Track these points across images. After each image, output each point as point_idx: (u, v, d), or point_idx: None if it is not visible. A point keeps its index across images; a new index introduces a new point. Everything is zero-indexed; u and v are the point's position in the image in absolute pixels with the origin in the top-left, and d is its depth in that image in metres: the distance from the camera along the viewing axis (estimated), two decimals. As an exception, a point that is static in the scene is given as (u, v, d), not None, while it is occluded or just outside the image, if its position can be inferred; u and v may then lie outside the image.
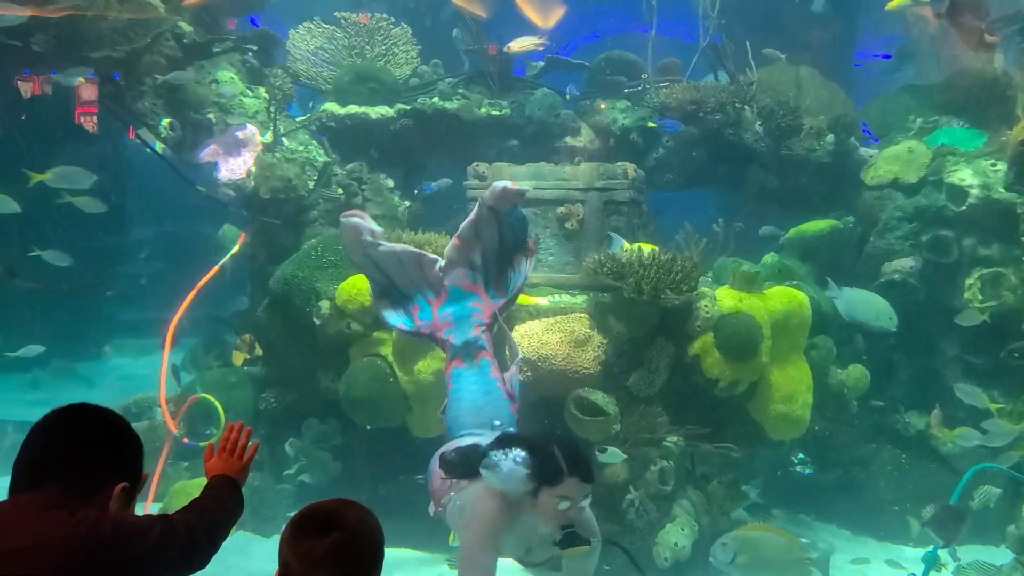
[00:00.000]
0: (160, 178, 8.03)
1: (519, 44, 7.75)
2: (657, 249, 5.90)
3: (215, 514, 2.13)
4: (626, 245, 6.08)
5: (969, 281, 6.89)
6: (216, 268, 7.68)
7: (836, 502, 6.97)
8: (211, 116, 7.35)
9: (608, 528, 5.65)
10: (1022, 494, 6.13)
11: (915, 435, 7.06)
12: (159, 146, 7.48)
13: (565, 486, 3.35)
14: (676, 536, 5.59)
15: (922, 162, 7.30)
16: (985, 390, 6.66)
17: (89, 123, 6.42)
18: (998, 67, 7.80)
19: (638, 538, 5.62)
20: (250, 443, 2.26)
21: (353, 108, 7.76)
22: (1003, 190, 6.80)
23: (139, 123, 7.30)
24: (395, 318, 5.15)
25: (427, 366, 5.93)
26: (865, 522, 6.80)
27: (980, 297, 6.85)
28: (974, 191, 6.89)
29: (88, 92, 6.44)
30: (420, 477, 6.52)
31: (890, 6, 8.13)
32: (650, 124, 7.61)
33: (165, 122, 7.27)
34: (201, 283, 7.53)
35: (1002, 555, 5.96)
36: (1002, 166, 6.86)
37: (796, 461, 7.32)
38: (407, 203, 7.71)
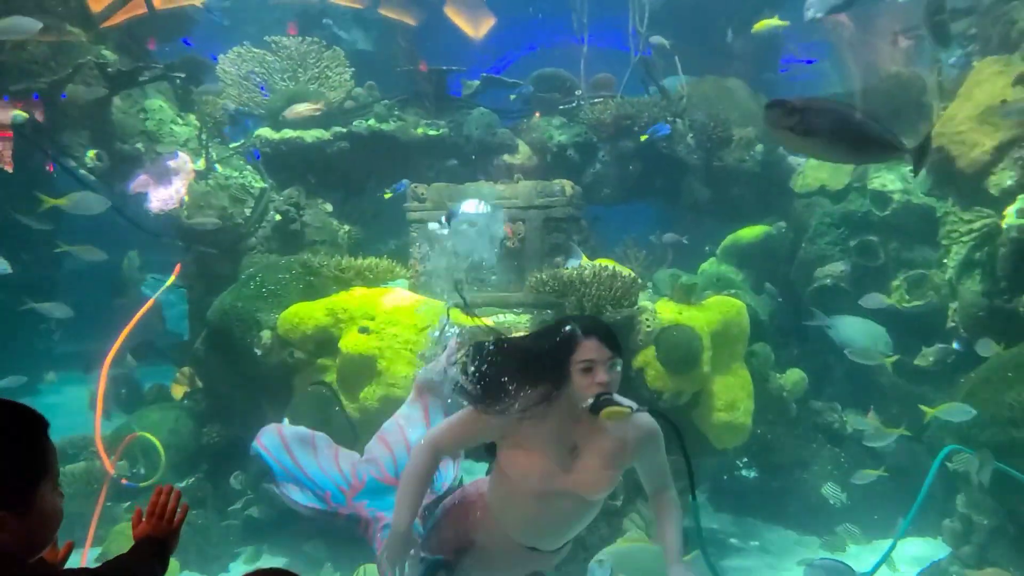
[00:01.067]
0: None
1: (294, 112, 7.62)
2: (598, 266, 5.98)
3: (139, 568, 2.07)
4: (584, 259, 6.16)
5: (895, 283, 7.15)
6: (151, 301, 7.52)
7: (781, 504, 7.13)
8: (139, 146, 7.20)
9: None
10: (957, 487, 6.35)
11: (853, 433, 7.26)
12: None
13: (582, 349, 3.06)
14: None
15: (846, 169, 7.55)
16: (915, 386, 6.91)
17: (7, 152, 6.24)
18: (913, 73, 8.12)
19: (590, 554, 5.66)
20: (180, 504, 2.20)
21: (288, 133, 7.70)
22: (922, 195, 7.08)
23: (64, 154, 7.11)
24: (304, 498, 4.39)
25: (372, 393, 5.89)
26: (810, 523, 6.97)
27: (907, 297, 7.10)
28: (896, 196, 7.16)
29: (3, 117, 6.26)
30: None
31: (756, 28, 8.38)
32: (643, 138, 7.66)
33: (91, 153, 7.10)
34: (137, 316, 7.35)
35: (940, 548, 6.18)
36: (920, 172, 7.14)
37: (741, 465, 7.48)
38: (346, 227, 7.67)
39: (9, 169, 6.40)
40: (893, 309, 6.81)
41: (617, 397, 3.04)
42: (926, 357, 6.78)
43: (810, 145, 3.40)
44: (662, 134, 7.70)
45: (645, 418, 3.21)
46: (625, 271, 6.08)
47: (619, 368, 3.07)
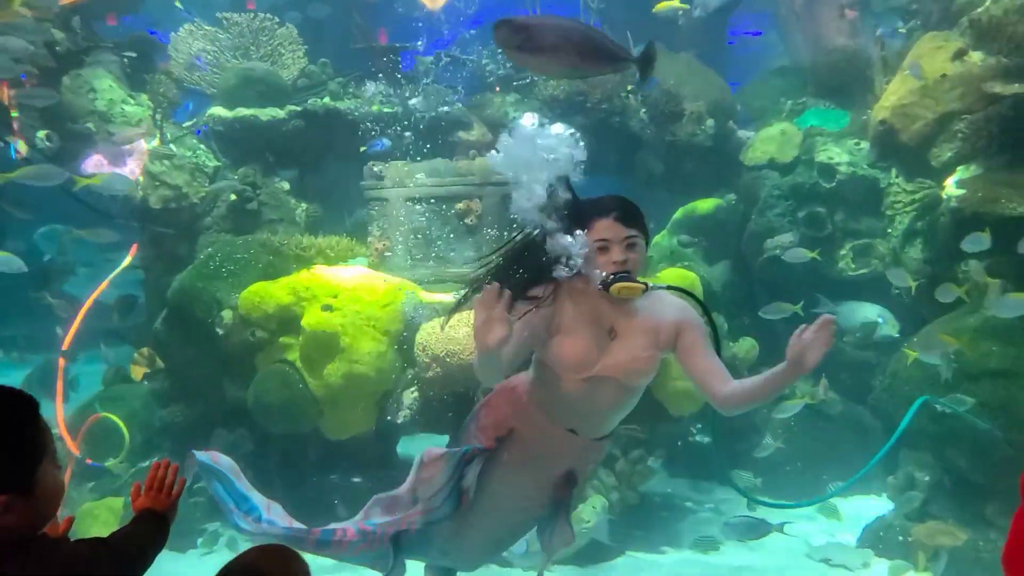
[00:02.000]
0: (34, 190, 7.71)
1: (123, 136, 7.34)
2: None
3: (140, 539, 2.16)
4: None
5: (842, 252, 7.39)
6: (106, 282, 7.46)
7: (734, 467, 7.38)
8: (90, 126, 7.11)
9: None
10: (901, 446, 6.65)
11: (801, 398, 7.52)
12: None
13: (596, 228, 3.03)
14: (587, 514, 5.84)
15: (794, 142, 7.76)
16: (861, 351, 7.19)
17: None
18: (857, 46, 8.34)
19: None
20: (178, 478, 2.29)
21: (242, 111, 7.64)
22: (867, 167, 7.32)
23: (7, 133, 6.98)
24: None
25: (336, 369, 5.96)
26: (762, 484, 7.24)
27: (853, 266, 7.36)
28: (842, 168, 7.38)
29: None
30: (334, 477, 6.62)
31: (659, 7, 8.47)
32: (362, 149, 7.42)
33: (41, 134, 6.99)
34: (92, 298, 7.30)
35: (883, 504, 6.49)
36: (865, 144, 7.39)
37: (695, 431, 7.71)
38: (304, 205, 7.68)
39: None
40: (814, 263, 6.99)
41: (637, 278, 3.01)
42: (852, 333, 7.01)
43: (539, 61, 3.47)
44: (377, 148, 7.50)
45: (679, 301, 3.21)
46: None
47: (639, 246, 3.05)
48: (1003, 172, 6.16)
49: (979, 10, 6.66)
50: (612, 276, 2.98)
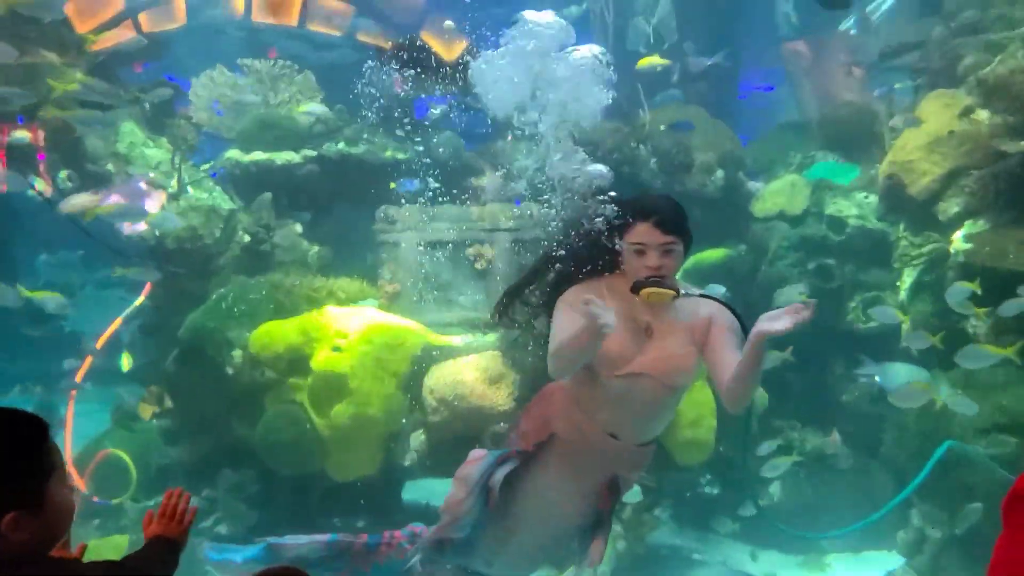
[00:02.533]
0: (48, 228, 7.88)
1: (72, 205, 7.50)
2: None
3: (152, 564, 2.18)
4: None
5: (852, 304, 7.41)
6: (119, 320, 7.54)
7: (743, 519, 7.30)
8: (110, 167, 7.26)
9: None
10: (911, 502, 6.58)
11: (811, 450, 7.47)
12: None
13: (634, 232, 3.03)
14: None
15: (803, 195, 7.84)
16: (871, 405, 7.15)
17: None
18: (866, 102, 8.47)
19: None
20: (189, 507, 2.32)
21: (258, 155, 7.79)
22: (876, 220, 7.37)
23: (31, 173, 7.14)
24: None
25: (343, 410, 5.98)
26: (771, 536, 7.15)
27: (862, 318, 7.37)
28: (851, 221, 7.44)
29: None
30: (337, 520, 6.58)
31: (641, 64, 8.59)
32: (391, 185, 7.61)
33: (63, 174, 7.14)
34: (106, 334, 7.37)
35: (893, 560, 6.39)
36: (874, 198, 7.45)
37: (704, 482, 7.64)
38: (316, 247, 7.77)
39: (3, 190, 6.43)
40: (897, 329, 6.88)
41: (671, 280, 3.02)
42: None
43: None
44: (408, 188, 7.63)
45: (713, 303, 3.18)
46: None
47: (676, 252, 3.03)
48: (1010, 227, 6.20)
49: (986, 70, 6.78)
50: (644, 280, 2.99)
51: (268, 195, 7.40)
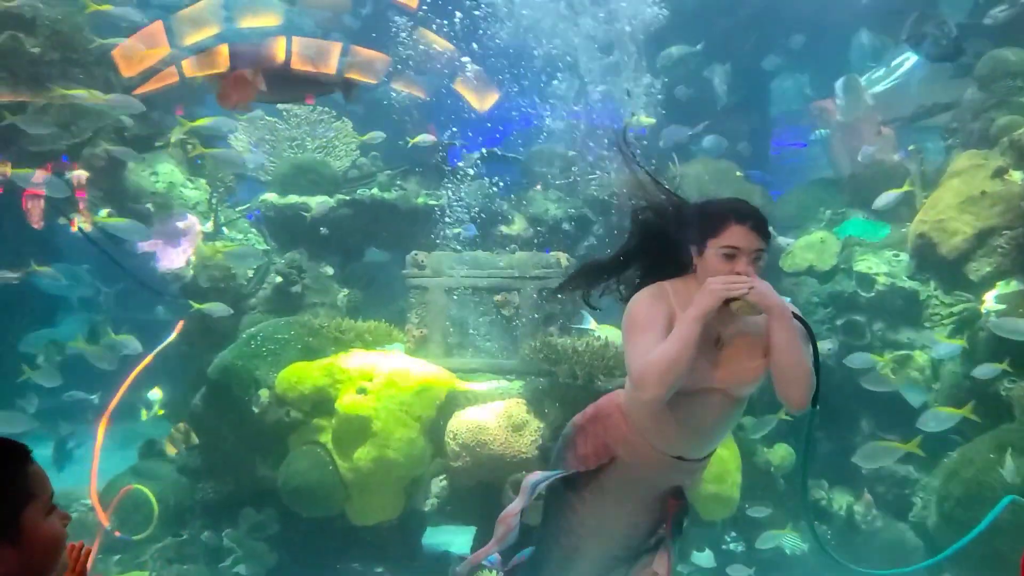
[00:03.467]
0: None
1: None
2: (591, 336, 6.16)
3: None
4: (593, 324, 6.32)
5: (881, 362, 7.31)
6: (150, 357, 7.64)
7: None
8: (150, 206, 7.44)
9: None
10: (945, 567, 6.39)
11: (838, 511, 7.33)
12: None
13: (728, 234, 2.83)
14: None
15: (833, 251, 7.81)
16: (899, 467, 7.02)
17: (36, 209, 6.50)
18: (896, 161, 8.47)
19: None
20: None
21: (293, 198, 7.95)
22: (906, 278, 7.32)
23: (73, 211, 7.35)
24: None
25: (366, 454, 5.98)
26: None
27: (892, 377, 7.27)
28: (880, 279, 7.39)
29: (38, 177, 6.56)
30: (356, 565, 6.55)
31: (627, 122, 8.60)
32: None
33: (104, 212, 7.33)
34: (136, 371, 7.47)
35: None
36: (904, 256, 7.41)
37: (729, 540, 7.50)
38: (346, 290, 7.86)
39: (38, 227, 6.64)
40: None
41: (755, 280, 2.82)
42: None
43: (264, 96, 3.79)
44: (469, 234, 7.79)
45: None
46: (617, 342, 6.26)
47: (763, 261, 2.88)
48: (1044, 288, 6.14)
49: (1020, 131, 6.78)
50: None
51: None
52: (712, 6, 10.64)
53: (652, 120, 8.68)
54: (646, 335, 2.85)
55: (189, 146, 7.99)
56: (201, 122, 7.20)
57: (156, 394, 7.01)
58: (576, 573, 3.47)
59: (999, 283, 6.45)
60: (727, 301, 2.81)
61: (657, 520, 3.28)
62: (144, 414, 6.92)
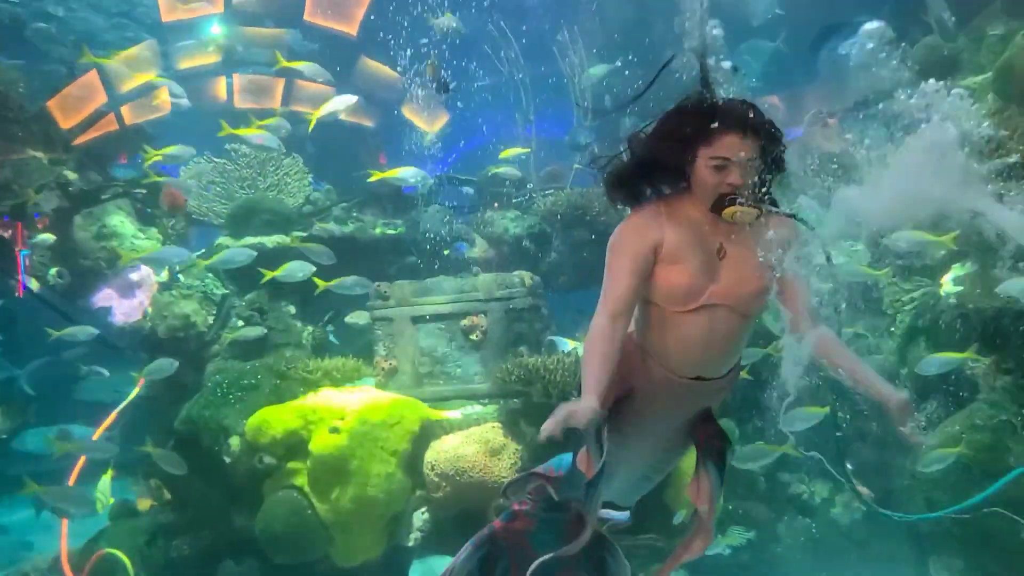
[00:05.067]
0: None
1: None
2: (564, 352, 6.14)
3: None
4: (571, 343, 6.29)
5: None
6: (115, 414, 7.45)
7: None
8: (101, 262, 7.28)
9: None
10: (927, 550, 6.43)
11: (820, 503, 7.37)
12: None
13: (719, 144, 2.69)
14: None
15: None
16: (880, 453, 7.08)
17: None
18: (842, 150, 8.59)
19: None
20: None
21: (249, 240, 7.83)
22: (864, 267, 7.41)
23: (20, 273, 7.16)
24: None
25: (345, 493, 5.88)
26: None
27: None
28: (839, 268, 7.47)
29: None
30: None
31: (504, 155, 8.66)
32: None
33: (53, 271, 7.15)
34: (100, 429, 7.28)
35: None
36: (860, 245, 7.50)
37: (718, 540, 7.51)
38: (310, 328, 7.75)
39: None
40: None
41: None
42: None
43: None
44: (461, 251, 7.97)
45: (790, 220, 2.82)
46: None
47: (773, 172, 2.72)
48: (997, 268, 6.24)
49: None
50: (726, 199, 2.70)
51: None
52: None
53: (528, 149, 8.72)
54: (624, 262, 2.79)
55: (137, 196, 7.85)
56: (167, 150, 7.09)
57: (105, 483, 6.75)
58: (614, 488, 3.33)
59: (955, 266, 6.55)
60: (717, 210, 2.71)
61: (686, 441, 3.16)
62: (100, 507, 6.69)
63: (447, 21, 8.02)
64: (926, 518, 5.90)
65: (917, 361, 6.86)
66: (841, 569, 6.80)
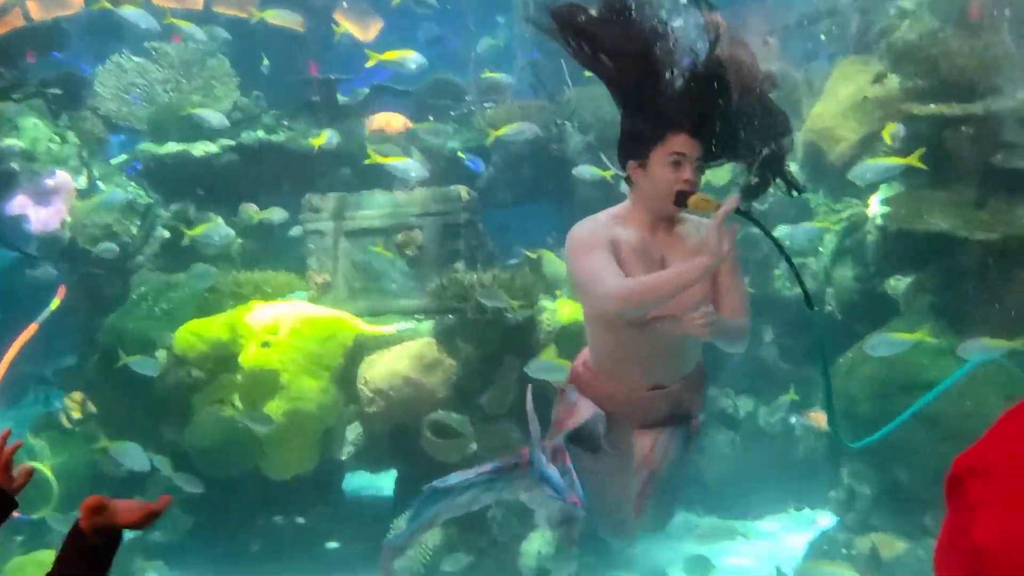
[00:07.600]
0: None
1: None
2: (498, 269, 6.12)
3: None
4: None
5: (776, 272, 7.56)
6: (34, 325, 7.18)
7: (683, 490, 7.43)
8: (15, 165, 6.89)
9: (475, 543, 5.81)
10: (842, 461, 6.77)
11: (745, 417, 7.64)
12: None
13: (673, 141, 2.78)
14: (539, 545, 5.80)
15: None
16: (797, 368, 7.35)
17: None
18: (783, 71, 8.58)
19: (503, 550, 5.79)
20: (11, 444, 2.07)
21: (173, 147, 7.49)
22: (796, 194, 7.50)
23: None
24: None
25: (278, 408, 5.84)
26: (709, 503, 7.30)
27: (788, 285, 7.52)
28: (772, 189, 7.55)
29: None
30: (278, 518, 6.47)
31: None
32: (459, 154, 7.78)
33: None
34: (17, 344, 7.01)
35: (826, 519, 6.60)
36: (794, 166, 7.58)
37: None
38: (239, 241, 7.53)
39: None
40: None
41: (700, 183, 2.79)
42: None
43: None
44: (472, 168, 7.80)
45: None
46: (524, 272, 6.24)
47: (701, 173, 2.84)
48: (924, 189, 6.37)
49: (895, 35, 6.93)
50: (683, 192, 2.77)
51: None
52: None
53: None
54: (599, 252, 2.81)
55: (51, 96, 7.39)
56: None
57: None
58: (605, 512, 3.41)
59: (882, 186, 6.68)
60: (682, 201, 2.79)
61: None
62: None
63: None
64: (873, 440, 6.09)
65: (843, 281, 7.08)
66: (762, 480, 7.11)
